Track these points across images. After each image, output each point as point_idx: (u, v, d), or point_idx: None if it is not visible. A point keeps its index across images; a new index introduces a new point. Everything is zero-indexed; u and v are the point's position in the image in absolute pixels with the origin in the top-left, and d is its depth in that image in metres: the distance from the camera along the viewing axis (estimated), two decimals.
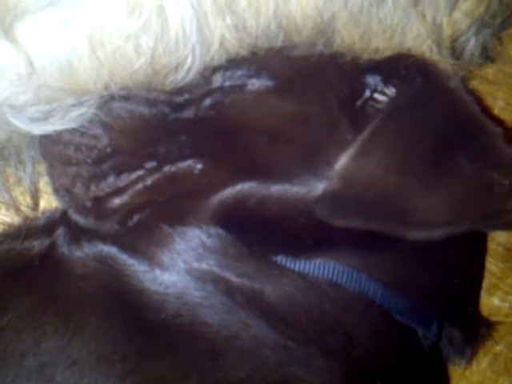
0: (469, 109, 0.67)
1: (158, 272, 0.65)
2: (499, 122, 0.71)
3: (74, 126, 0.67)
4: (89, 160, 0.67)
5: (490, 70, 0.87)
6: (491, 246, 0.87)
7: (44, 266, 0.67)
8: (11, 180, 0.75)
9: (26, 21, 0.63)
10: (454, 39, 0.72)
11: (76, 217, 0.69)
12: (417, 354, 0.68)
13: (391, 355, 0.65)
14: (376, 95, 0.68)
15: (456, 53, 0.74)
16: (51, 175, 0.70)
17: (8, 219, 0.78)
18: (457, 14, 0.71)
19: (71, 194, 0.69)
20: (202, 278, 0.64)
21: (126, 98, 0.68)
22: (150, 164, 0.67)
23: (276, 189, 0.65)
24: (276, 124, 0.67)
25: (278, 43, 0.70)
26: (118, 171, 0.67)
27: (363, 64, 0.69)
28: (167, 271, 0.65)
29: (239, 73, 0.69)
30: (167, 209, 0.67)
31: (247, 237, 0.65)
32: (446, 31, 0.71)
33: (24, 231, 0.70)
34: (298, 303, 0.64)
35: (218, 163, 0.67)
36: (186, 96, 0.69)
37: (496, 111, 0.89)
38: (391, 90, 0.68)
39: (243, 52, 0.69)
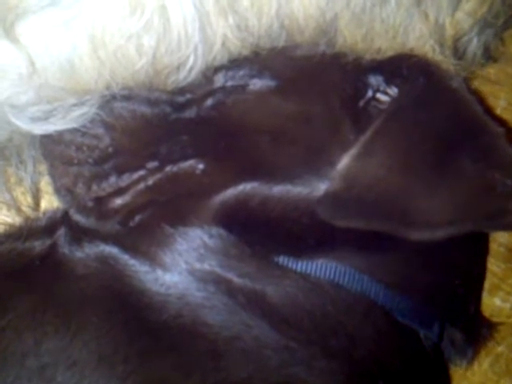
0: (471, 109, 0.67)
1: (159, 272, 0.65)
2: (501, 122, 0.71)
3: (75, 125, 0.67)
4: (90, 160, 0.67)
5: (492, 70, 0.87)
6: (493, 246, 0.86)
7: (45, 267, 0.67)
8: (12, 180, 0.75)
9: (27, 20, 0.63)
10: (456, 39, 0.72)
11: (77, 217, 0.69)
12: (418, 355, 0.68)
13: (393, 356, 0.65)
14: (378, 95, 0.68)
15: (458, 53, 0.74)
16: (52, 175, 0.70)
17: (9, 219, 0.78)
18: (459, 14, 0.71)
19: (72, 194, 0.68)
20: (204, 278, 0.64)
21: (127, 98, 0.68)
22: (152, 164, 0.67)
23: (278, 189, 0.65)
24: (278, 124, 0.67)
25: (281, 43, 0.70)
26: (120, 171, 0.67)
27: (365, 64, 0.69)
28: (169, 272, 0.65)
29: (241, 73, 0.68)
30: (169, 209, 0.67)
31: (249, 237, 0.65)
32: (449, 31, 0.71)
33: (25, 231, 0.70)
34: (300, 304, 0.64)
35: (219, 163, 0.67)
36: (188, 96, 0.69)
37: (498, 111, 0.89)
38: (393, 90, 0.68)
39: (245, 52, 0.69)
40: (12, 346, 0.63)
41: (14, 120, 0.66)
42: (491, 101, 0.88)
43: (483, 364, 0.86)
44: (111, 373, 0.61)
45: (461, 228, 0.63)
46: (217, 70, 0.69)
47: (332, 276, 0.65)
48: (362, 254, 0.66)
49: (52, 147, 0.69)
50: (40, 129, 0.67)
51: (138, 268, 0.65)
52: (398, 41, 0.70)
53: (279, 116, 0.67)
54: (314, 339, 0.63)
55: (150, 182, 0.67)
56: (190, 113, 0.68)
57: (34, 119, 0.67)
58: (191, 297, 0.64)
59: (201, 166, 0.66)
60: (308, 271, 0.65)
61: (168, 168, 0.67)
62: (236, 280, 0.64)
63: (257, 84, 0.68)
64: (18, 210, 0.77)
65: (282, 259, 0.65)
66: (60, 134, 0.68)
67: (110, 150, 0.67)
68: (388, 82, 0.68)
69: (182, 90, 0.69)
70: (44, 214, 0.75)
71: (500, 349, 0.87)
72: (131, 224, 0.67)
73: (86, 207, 0.68)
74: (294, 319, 0.63)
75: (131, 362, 0.62)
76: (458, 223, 0.63)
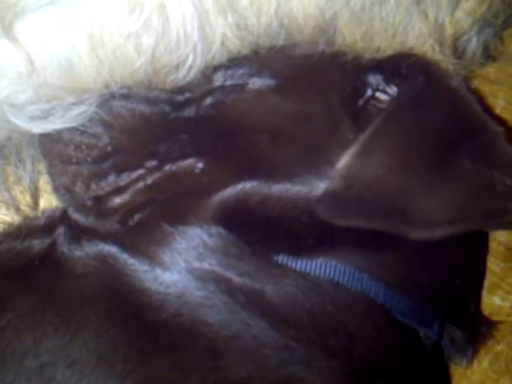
0: (471, 108, 0.67)
1: (158, 271, 0.65)
2: (501, 121, 0.70)
3: (74, 124, 0.67)
4: (89, 159, 0.67)
5: (491, 70, 0.87)
6: (492, 245, 0.87)
7: (44, 266, 0.67)
8: (11, 179, 0.75)
9: (25, 19, 0.63)
10: (455, 38, 0.72)
11: (76, 216, 0.69)
12: (418, 354, 0.68)
13: (393, 355, 0.65)
14: (378, 94, 0.68)
15: (458, 52, 0.74)
16: (51, 174, 0.70)
17: (8, 218, 0.78)
18: (459, 13, 0.71)
19: (71, 193, 0.68)
20: (203, 277, 0.64)
21: (126, 97, 0.68)
22: (151, 163, 0.67)
23: (277, 188, 0.65)
24: (277, 123, 0.67)
25: (280, 42, 0.70)
26: (119, 170, 0.67)
27: (365, 63, 0.69)
28: (168, 271, 0.65)
29: (240, 72, 0.68)
30: (168, 208, 0.67)
31: (248, 236, 0.65)
32: (448, 30, 0.71)
33: (24, 230, 0.70)
34: (300, 303, 0.64)
35: (219, 162, 0.66)
36: (187, 95, 0.69)
37: (497, 111, 0.89)
38: (393, 89, 0.68)
39: (245, 51, 0.69)
40: (11, 345, 0.63)
41: (12, 119, 0.66)
42: (490, 100, 0.88)
43: (483, 362, 0.86)
44: (110, 372, 0.61)
45: (460, 227, 0.63)
46: (216, 68, 0.69)
47: (332, 275, 0.65)
48: (361, 253, 0.66)
49: (51, 146, 0.69)
50: (39, 128, 0.67)
51: (137, 267, 0.65)
52: (398, 40, 0.70)
53: (278, 115, 0.67)
54: (313, 338, 0.63)
55: (149, 180, 0.67)
56: (189, 112, 0.68)
57: (33, 118, 0.67)
58: (190, 296, 0.64)
59: (200, 165, 0.66)
60: (307, 270, 0.65)
61: (167, 167, 0.66)
62: (235, 279, 0.64)
63: (256, 83, 0.68)
64: (17, 209, 0.77)
65: (282, 258, 0.65)
66: (59, 132, 0.68)
67: (109, 148, 0.67)
68: (387, 81, 0.68)
69: (181, 89, 0.69)
70: (43, 212, 0.75)
71: (500, 347, 0.87)
72: (130, 223, 0.67)
73: (84, 206, 0.68)
74: (293, 318, 0.63)
75: (130, 360, 0.61)
76: (458, 222, 0.63)
